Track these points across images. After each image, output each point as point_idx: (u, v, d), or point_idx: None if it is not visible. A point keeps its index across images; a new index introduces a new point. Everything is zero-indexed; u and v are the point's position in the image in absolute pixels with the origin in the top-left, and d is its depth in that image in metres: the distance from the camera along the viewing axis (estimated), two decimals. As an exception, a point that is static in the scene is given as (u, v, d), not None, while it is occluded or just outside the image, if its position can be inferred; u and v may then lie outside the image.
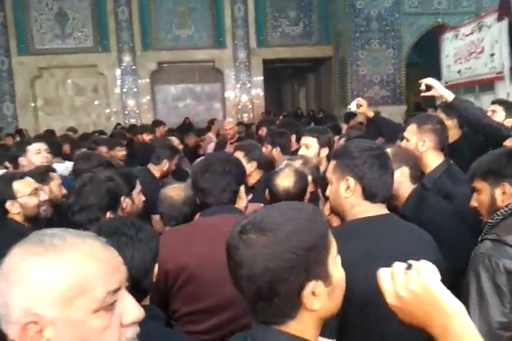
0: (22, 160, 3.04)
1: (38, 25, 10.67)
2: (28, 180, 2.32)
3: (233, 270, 0.90)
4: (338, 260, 0.93)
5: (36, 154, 3.05)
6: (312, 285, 0.87)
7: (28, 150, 3.07)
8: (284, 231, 0.87)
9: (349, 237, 1.32)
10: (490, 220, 1.60)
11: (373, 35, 10.28)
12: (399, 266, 0.85)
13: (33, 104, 10.85)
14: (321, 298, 0.88)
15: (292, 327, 0.88)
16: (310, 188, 2.29)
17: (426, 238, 1.54)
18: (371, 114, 3.30)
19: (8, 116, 10.69)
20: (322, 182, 2.13)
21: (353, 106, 3.28)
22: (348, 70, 10.34)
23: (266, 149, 3.23)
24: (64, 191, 2.50)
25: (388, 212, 1.54)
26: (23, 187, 2.23)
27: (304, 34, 11.33)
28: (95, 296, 0.74)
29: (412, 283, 0.81)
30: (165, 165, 3.33)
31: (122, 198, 2.25)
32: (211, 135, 7.05)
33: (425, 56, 11.14)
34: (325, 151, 2.86)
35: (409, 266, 0.84)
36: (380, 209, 1.51)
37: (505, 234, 1.44)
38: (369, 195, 1.48)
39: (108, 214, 1.88)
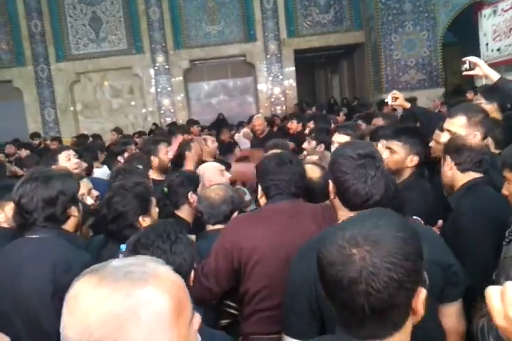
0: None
1: (73, 31, 10.97)
2: (84, 181, 2.47)
3: (342, 288, 0.84)
4: None
5: (67, 161, 3.17)
6: (424, 291, 0.86)
7: (58, 158, 3.19)
8: (401, 239, 0.84)
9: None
10: None
11: (406, 17, 10.00)
12: (511, 284, 0.77)
13: (72, 109, 11.21)
14: (424, 302, 0.87)
15: (396, 338, 0.85)
16: None
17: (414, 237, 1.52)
18: (408, 106, 3.24)
19: (49, 122, 11.09)
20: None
21: (389, 100, 3.24)
22: (381, 55, 10.12)
23: (309, 145, 3.23)
24: (96, 193, 2.60)
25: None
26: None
27: (334, 21, 11.15)
28: (188, 309, 0.79)
29: None
30: None
31: (190, 193, 2.54)
32: (248, 130, 7.08)
33: (462, 35, 10.76)
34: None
35: None
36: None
37: None
38: (345, 203, 1.48)
39: (141, 218, 1.95)
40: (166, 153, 3.55)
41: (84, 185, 2.54)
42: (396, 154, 2.36)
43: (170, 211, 2.57)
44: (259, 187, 1.99)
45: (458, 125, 2.25)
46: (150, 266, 0.79)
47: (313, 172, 2.25)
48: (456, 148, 1.99)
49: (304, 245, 1.49)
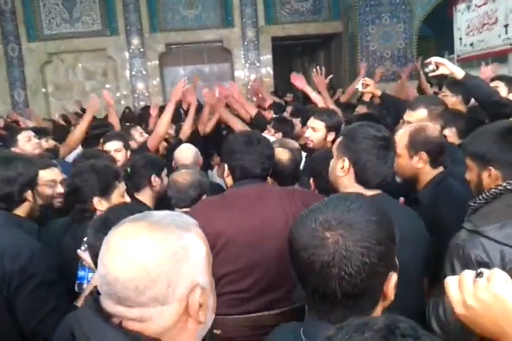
0: (14, 151, 3.09)
1: (46, 10, 10.63)
2: (54, 169, 2.43)
3: (314, 271, 0.83)
4: None
5: (26, 142, 3.11)
6: (395, 276, 0.87)
7: (18, 139, 3.12)
8: (374, 223, 0.84)
9: None
10: (472, 204, 1.55)
11: (384, 9, 10.04)
12: (468, 273, 0.80)
13: (43, 90, 10.91)
14: (394, 288, 0.88)
15: None
16: None
17: (413, 220, 1.58)
18: (379, 93, 3.29)
19: (19, 103, 10.78)
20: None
21: (359, 87, 3.27)
22: (358, 46, 10.16)
23: (269, 133, 3.26)
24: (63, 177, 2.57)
25: (380, 191, 1.58)
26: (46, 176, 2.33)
27: (313, 10, 11.11)
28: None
29: (481, 292, 0.75)
30: None
31: (153, 177, 2.56)
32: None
33: (437, 29, 10.89)
34: (331, 135, 2.87)
35: (480, 274, 0.78)
36: (371, 191, 1.55)
37: (482, 223, 1.38)
38: (361, 181, 1.54)
39: (96, 199, 1.95)
40: (141, 134, 3.55)
41: (58, 173, 2.51)
42: None
43: (130, 193, 2.56)
44: (226, 166, 1.97)
45: (419, 118, 2.30)
46: (186, 217, 0.88)
47: (281, 154, 2.28)
48: (432, 143, 2.02)
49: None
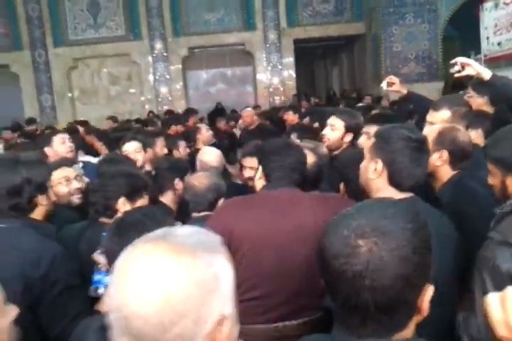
0: (47, 151, 3.12)
1: (71, 16, 10.85)
2: (66, 168, 2.43)
3: (347, 281, 0.78)
4: None
5: (61, 144, 3.14)
6: (431, 289, 0.80)
7: (53, 140, 3.16)
8: (410, 231, 0.78)
9: None
10: (499, 211, 1.46)
11: (407, 10, 9.91)
12: (511, 291, 0.72)
13: (70, 95, 11.13)
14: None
15: (398, 336, 0.80)
16: None
17: (448, 226, 1.52)
18: (405, 91, 3.20)
19: (46, 108, 11.02)
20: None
21: (384, 85, 3.20)
22: (381, 47, 10.05)
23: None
24: (86, 180, 2.58)
25: (412, 194, 1.54)
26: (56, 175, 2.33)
27: (335, 11, 11.04)
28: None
29: None
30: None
31: (176, 180, 2.54)
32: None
33: (463, 29, 10.66)
34: (349, 136, 2.81)
35: None
36: (404, 194, 1.51)
37: (511, 233, 1.29)
38: (394, 183, 1.50)
39: (121, 200, 1.95)
40: (161, 148, 3.54)
41: (72, 171, 2.52)
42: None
43: (154, 196, 2.56)
44: (260, 169, 1.91)
45: (442, 119, 2.24)
46: (211, 235, 0.76)
47: (307, 157, 2.21)
48: (458, 145, 1.96)
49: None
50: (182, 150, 4.01)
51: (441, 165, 1.96)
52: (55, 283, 1.52)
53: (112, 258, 1.32)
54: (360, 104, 6.07)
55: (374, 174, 1.52)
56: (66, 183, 2.41)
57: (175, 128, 5.69)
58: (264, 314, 1.74)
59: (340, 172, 2.15)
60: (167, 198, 2.61)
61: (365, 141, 2.63)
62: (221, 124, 6.80)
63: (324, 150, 2.67)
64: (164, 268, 0.67)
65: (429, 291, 0.81)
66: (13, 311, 0.91)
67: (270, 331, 1.74)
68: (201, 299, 0.68)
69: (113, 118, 8.15)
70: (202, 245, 0.72)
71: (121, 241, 1.28)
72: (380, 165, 1.50)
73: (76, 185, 2.44)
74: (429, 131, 2.00)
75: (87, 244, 1.79)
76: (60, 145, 3.13)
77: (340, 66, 14.36)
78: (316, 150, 2.43)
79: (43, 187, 1.72)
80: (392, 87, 3.14)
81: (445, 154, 1.94)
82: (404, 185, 1.51)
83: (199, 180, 2.30)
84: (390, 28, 9.97)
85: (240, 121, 6.80)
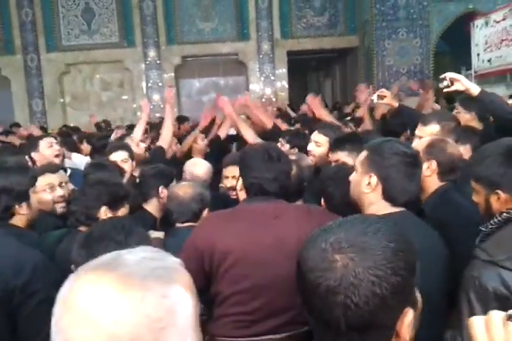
0: (34, 155, 3.08)
1: (65, 22, 10.83)
2: (49, 175, 2.38)
3: (320, 295, 0.75)
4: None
5: (48, 148, 3.10)
6: (411, 314, 0.77)
7: (39, 144, 3.11)
8: (392, 250, 0.75)
9: None
10: (484, 229, 1.45)
11: (400, 24, 10.01)
12: (496, 315, 0.69)
13: (61, 100, 11.06)
14: (411, 326, 0.78)
15: None
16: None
17: (438, 243, 1.51)
18: (396, 105, 3.21)
19: (37, 112, 10.94)
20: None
21: (375, 98, 3.21)
22: (374, 61, 10.12)
23: (282, 147, 3.18)
24: (71, 187, 2.52)
25: (404, 209, 1.52)
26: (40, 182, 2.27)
27: (329, 24, 11.14)
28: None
29: None
30: None
31: (161, 188, 2.50)
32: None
33: (454, 45, 10.81)
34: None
35: (511, 317, 0.68)
36: (396, 208, 1.50)
37: (496, 251, 1.27)
38: (388, 198, 1.49)
39: (103, 209, 1.91)
40: (137, 144, 3.52)
41: (55, 177, 2.47)
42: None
43: (138, 202, 2.52)
44: (240, 180, 1.88)
45: (431, 133, 2.24)
46: (168, 259, 0.68)
47: None
48: (447, 156, 1.97)
49: None
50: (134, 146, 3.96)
51: (429, 175, 1.95)
52: (34, 293, 1.47)
53: None
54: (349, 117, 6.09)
55: (368, 188, 1.50)
56: (50, 190, 2.36)
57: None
58: (248, 328, 1.72)
59: (321, 190, 2.12)
60: (151, 206, 2.58)
61: (312, 148, 2.70)
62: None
63: (308, 161, 2.67)
64: (110, 306, 0.60)
65: (409, 315, 0.77)
66: None
67: None
68: (152, 339, 0.60)
69: (105, 122, 8.38)
70: (154, 274, 0.64)
71: (88, 254, 1.25)
72: (374, 179, 1.49)
73: (60, 192, 2.39)
74: (419, 144, 2.00)
75: (64, 253, 1.75)
76: (46, 149, 3.10)
77: (333, 78, 14.44)
78: (298, 162, 2.41)
79: (22, 196, 1.65)
80: (384, 99, 3.15)
81: (434, 164, 1.94)
82: (398, 200, 1.50)
83: (183, 189, 2.27)
84: (383, 42, 10.07)
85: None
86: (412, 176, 1.52)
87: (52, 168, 2.50)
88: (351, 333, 0.75)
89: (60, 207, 2.39)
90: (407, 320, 0.77)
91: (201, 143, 4.47)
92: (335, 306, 0.74)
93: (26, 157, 3.06)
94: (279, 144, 3.22)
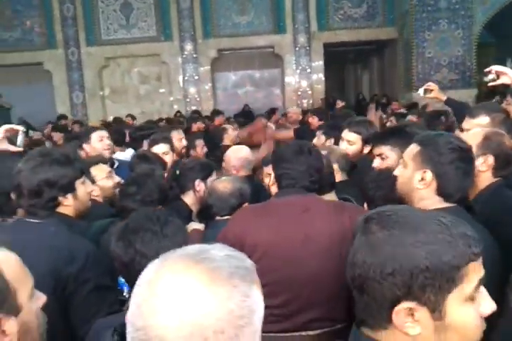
0: (86, 147, 3.16)
1: (105, 17, 11.04)
2: (102, 165, 2.53)
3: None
4: (473, 304, 0.80)
5: (99, 141, 3.17)
6: (410, 306, 0.78)
7: (91, 137, 3.19)
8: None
9: None
10: None
11: (441, 15, 9.73)
12: None
13: (100, 93, 11.32)
14: (423, 326, 0.78)
15: (384, 338, 0.82)
16: (338, 177, 2.34)
17: (487, 237, 1.46)
18: (444, 98, 3.11)
19: (77, 105, 11.23)
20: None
21: (421, 92, 3.08)
22: (413, 53, 9.88)
23: (318, 140, 3.15)
24: (117, 179, 2.59)
25: (455, 205, 1.48)
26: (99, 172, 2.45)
27: (367, 16, 10.93)
28: None
29: None
30: None
31: (197, 181, 2.51)
32: (271, 124, 6.98)
33: (499, 35, 10.42)
34: (368, 147, 2.73)
35: None
36: (448, 203, 1.46)
37: None
38: (443, 194, 1.44)
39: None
40: (179, 139, 3.57)
41: (103, 169, 2.56)
42: (388, 160, 2.22)
43: (176, 194, 2.55)
44: (272, 174, 1.90)
45: (480, 125, 2.15)
46: (247, 260, 0.70)
47: None
48: (504, 150, 1.88)
49: None
50: (199, 149, 4.01)
51: (484, 170, 1.87)
52: (86, 282, 1.51)
53: (118, 263, 1.30)
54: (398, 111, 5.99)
55: (421, 184, 1.45)
56: (108, 178, 2.51)
57: (196, 126, 5.88)
58: (278, 323, 1.71)
59: (361, 189, 2.07)
60: (188, 198, 2.61)
61: (381, 163, 2.49)
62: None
63: (342, 151, 2.62)
64: (197, 297, 0.62)
65: (404, 305, 0.80)
66: (42, 297, 0.90)
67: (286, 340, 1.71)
68: (234, 335, 0.62)
69: (131, 117, 8.72)
70: (238, 272, 0.66)
71: (125, 245, 1.28)
72: (429, 175, 1.44)
73: (117, 178, 2.54)
74: (470, 138, 1.91)
75: (107, 243, 1.79)
76: (98, 143, 3.16)
77: (371, 71, 14.21)
78: (328, 156, 2.38)
79: (66, 187, 1.68)
80: (431, 93, 3.04)
81: (491, 159, 1.85)
82: (453, 197, 1.45)
83: (223, 184, 2.29)
84: (423, 33, 9.80)
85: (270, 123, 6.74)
86: (468, 172, 1.47)
87: (101, 159, 2.61)
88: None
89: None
90: (399, 308, 0.80)
91: (232, 133, 4.48)
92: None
93: (83, 146, 3.17)
94: (315, 139, 3.19)
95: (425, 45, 9.83)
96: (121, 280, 1.64)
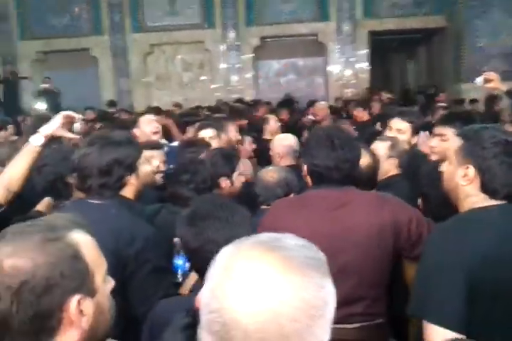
0: (135, 131, 3.20)
1: (150, 3, 11.14)
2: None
3: None
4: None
5: (147, 125, 3.22)
6: None
7: (139, 121, 3.25)
8: None
9: (471, 228, 1.30)
10: None
11: (493, 2, 9.33)
12: None
13: (145, 80, 11.48)
14: None
15: None
16: (395, 171, 2.29)
17: None
18: (504, 89, 2.96)
19: (123, 92, 11.44)
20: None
21: (479, 81, 2.92)
22: (463, 42, 9.54)
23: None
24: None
25: (504, 202, 1.43)
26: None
27: (414, 3, 10.58)
28: None
29: None
30: None
31: (222, 179, 2.39)
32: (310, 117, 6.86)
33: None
34: (415, 139, 2.67)
35: None
36: (495, 201, 1.41)
37: None
38: (488, 191, 1.38)
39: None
40: (235, 133, 3.54)
41: (157, 152, 2.61)
42: (447, 142, 2.18)
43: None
44: (305, 166, 1.86)
45: None
46: (319, 251, 0.72)
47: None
48: None
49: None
50: (248, 145, 3.92)
51: None
52: (145, 263, 1.56)
53: (186, 248, 1.34)
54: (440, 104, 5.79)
55: (464, 180, 1.40)
56: (150, 163, 2.52)
57: (238, 123, 5.67)
58: None
59: (416, 185, 2.02)
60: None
61: (439, 144, 2.38)
62: (283, 115, 6.58)
63: (404, 146, 2.55)
64: (273, 284, 0.63)
65: None
66: (111, 281, 0.94)
67: None
68: (307, 325, 0.63)
69: (178, 105, 8.85)
70: (312, 263, 0.67)
71: (196, 231, 1.31)
72: (471, 171, 1.38)
73: (162, 166, 2.55)
74: None
75: (161, 226, 1.83)
76: (147, 126, 3.21)
77: (417, 61, 13.80)
78: (392, 149, 2.34)
79: (132, 167, 1.75)
80: (490, 83, 2.90)
81: None
82: (499, 193, 1.39)
83: (270, 174, 2.30)
84: (473, 22, 9.43)
85: (309, 116, 6.60)
86: None
87: (157, 144, 2.65)
88: None
89: (159, 178, 2.51)
90: None
91: (274, 125, 4.46)
92: None
93: (133, 130, 3.22)
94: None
95: (475, 34, 9.47)
96: (176, 263, 1.69)
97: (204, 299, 0.67)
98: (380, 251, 1.68)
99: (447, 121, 2.33)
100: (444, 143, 2.16)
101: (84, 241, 0.86)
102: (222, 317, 0.63)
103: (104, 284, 0.88)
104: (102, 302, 0.86)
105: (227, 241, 1.27)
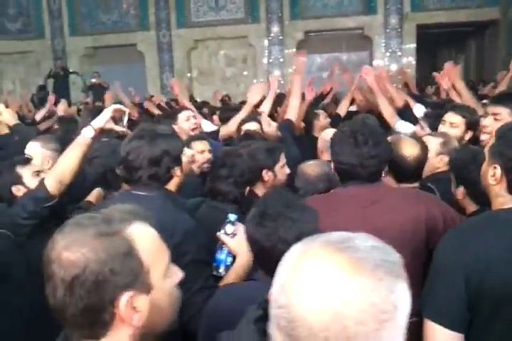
0: (174, 127, 3.27)
1: (195, -1, 11.26)
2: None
3: None
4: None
5: (185, 121, 3.27)
6: None
7: (178, 118, 3.30)
8: None
9: (487, 230, 1.28)
10: None
11: (553, -7, 8.86)
12: None
13: (189, 75, 11.64)
14: None
15: None
16: (444, 168, 2.24)
17: None
18: None
19: (167, 86, 11.63)
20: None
21: None
22: (517, 35, 9.12)
23: (421, 129, 2.94)
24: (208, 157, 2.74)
25: None
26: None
27: (466, -6, 10.21)
28: None
29: None
30: None
31: (264, 172, 2.38)
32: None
33: None
34: (469, 134, 2.57)
35: None
36: None
37: None
38: None
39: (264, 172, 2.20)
40: (268, 123, 3.54)
41: (205, 145, 2.78)
42: (502, 122, 2.07)
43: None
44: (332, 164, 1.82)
45: None
46: (394, 253, 0.69)
47: (409, 149, 2.02)
48: None
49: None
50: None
51: None
52: (184, 254, 1.57)
53: (255, 247, 1.32)
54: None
55: (492, 180, 1.35)
56: (202, 153, 2.72)
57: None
58: None
59: (459, 175, 1.96)
60: (258, 189, 2.50)
61: (493, 124, 2.31)
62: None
63: (455, 143, 2.46)
64: (340, 285, 0.63)
65: None
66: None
67: None
68: (374, 329, 0.62)
69: (228, 97, 8.94)
70: (384, 266, 0.65)
71: (267, 232, 1.29)
72: (498, 171, 1.32)
73: (209, 155, 2.72)
74: None
75: (201, 220, 1.84)
76: (184, 122, 3.27)
77: (468, 55, 13.31)
78: (445, 146, 2.27)
79: (178, 159, 1.78)
80: None
81: None
82: None
83: (311, 168, 2.28)
84: (530, 13, 8.99)
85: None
86: None
87: (201, 136, 2.84)
88: None
89: (206, 168, 2.61)
90: None
91: (324, 120, 4.38)
92: None
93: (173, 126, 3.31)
94: (417, 126, 3.00)
95: (532, 26, 9.02)
96: (218, 257, 1.70)
97: (274, 294, 0.68)
98: (414, 247, 1.63)
99: (502, 100, 2.26)
100: (498, 123, 2.08)
101: (142, 235, 0.85)
102: (289, 313, 0.64)
103: (164, 279, 0.86)
104: (160, 298, 0.84)
105: (297, 239, 1.24)
